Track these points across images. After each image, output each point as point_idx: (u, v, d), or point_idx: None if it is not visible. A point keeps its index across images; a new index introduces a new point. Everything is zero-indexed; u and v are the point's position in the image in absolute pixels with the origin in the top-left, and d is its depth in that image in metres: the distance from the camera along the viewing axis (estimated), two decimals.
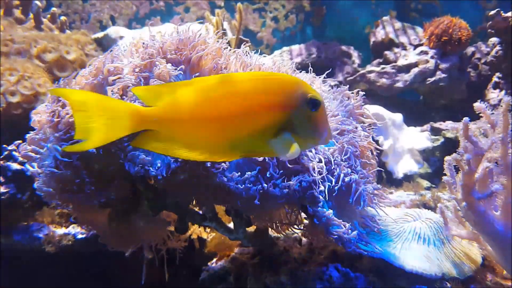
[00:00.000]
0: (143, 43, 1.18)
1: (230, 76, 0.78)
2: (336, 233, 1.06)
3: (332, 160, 1.10)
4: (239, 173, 1.06)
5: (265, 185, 1.04)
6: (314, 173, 1.07)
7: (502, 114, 1.11)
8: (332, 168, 1.10)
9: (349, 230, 1.07)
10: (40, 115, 1.20)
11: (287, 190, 1.05)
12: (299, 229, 1.31)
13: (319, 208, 1.05)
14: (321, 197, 1.05)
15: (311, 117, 0.78)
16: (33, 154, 1.19)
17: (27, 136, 1.21)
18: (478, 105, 1.16)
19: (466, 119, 1.14)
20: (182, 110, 0.76)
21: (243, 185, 1.03)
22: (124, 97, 1.09)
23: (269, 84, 0.76)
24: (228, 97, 0.75)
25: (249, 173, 1.04)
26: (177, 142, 0.77)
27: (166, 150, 0.78)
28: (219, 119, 0.75)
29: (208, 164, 1.04)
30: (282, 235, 1.48)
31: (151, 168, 1.05)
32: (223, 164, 1.04)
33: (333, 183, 1.07)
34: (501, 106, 1.12)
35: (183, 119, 0.76)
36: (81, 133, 0.77)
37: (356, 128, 1.26)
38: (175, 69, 1.10)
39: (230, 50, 1.24)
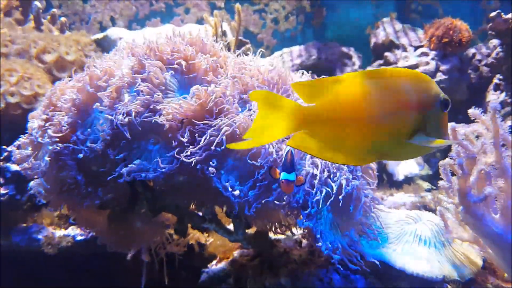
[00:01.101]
0: (140, 45, 1.19)
1: (378, 73, 0.74)
2: (321, 245, 1.07)
3: (331, 165, 1.09)
4: (237, 175, 1.05)
5: (257, 191, 1.03)
6: (311, 180, 1.06)
7: (491, 119, 1.11)
8: (333, 172, 1.09)
9: (331, 250, 1.07)
10: (35, 119, 1.21)
11: (281, 198, 1.05)
12: (294, 233, 1.31)
13: (302, 220, 1.05)
14: (315, 206, 1.05)
15: (441, 118, 0.76)
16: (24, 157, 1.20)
17: (19, 140, 1.23)
18: (472, 111, 1.17)
19: (452, 124, 1.15)
20: (339, 108, 0.71)
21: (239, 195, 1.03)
22: (118, 101, 1.09)
23: (411, 83, 0.73)
24: (379, 95, 0.71)
25: (237, 191, 1.03)
26: (326, 143, 0.73)
27: (319, 152, 0.74)
28: (369, 119, 0.71)
29: (203, 167, 1.03)
30: (282, 237, 1.47)
31: (148, 172, 1.05)
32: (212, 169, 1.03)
33: (334, 189, 1.06)
34: (489, 112, 1.13)
35: (338, 119, 0.71)
36: (250, 132, 0.74)
37: None
38: (169, 68, 1.10)
39: (226, 49, 1.24)
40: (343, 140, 0.73)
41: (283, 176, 0.93)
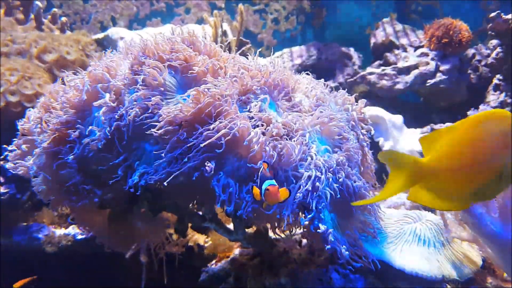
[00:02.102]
0: (139, 45, 1.19)
1: (478, 118, 0.77)
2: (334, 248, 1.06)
3: (334, 165, 1.08)
4: (236, 177, 1.05)
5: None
6: (314, 182, 1.05)
7: None
8: (336, 173, 1.09)
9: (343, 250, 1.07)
10: (32, 117, 1.22)
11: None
12: (294, 232, 1.30)
13: (315, 221, 1.05)
14: (321, 210, 1.04)
15: None
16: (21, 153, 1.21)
17: (18, 140, 1.23)
18: (471, 113, 1.17)
19: (442, 125, 1.15)
20: (451, 158, 0.75)
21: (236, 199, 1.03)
22: (118, 101, 1.09)
23: (501, 123, 0.75)
24: (483, 141, 0.75)
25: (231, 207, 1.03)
26: (437, 193, 0.78)
27: (430, 202, 0.78)
28: (477, 167, 0.75)
29: (201, 168, 1.03)
30: (282, 236, 1.47)
31: (150, 175, 1.05)
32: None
33: (337, 192, 1.06)
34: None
35: (451, 169, 0.76)
36: None
37: (357, 134, 1.27)
38: (169, 68, 1.11)
39: (226, 49, 1.24)
40: (453, 189, 0.77)
41: (265, 184, 0.92)
